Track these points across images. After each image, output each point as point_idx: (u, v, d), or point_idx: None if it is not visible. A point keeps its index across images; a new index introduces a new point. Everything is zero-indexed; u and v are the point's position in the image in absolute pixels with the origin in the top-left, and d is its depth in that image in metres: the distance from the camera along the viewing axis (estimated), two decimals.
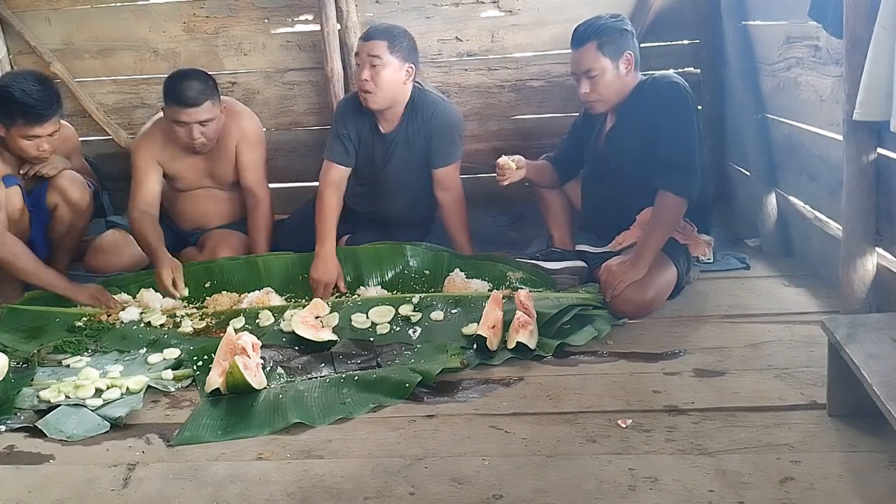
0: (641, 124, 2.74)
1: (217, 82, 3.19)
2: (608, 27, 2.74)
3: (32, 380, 2.38)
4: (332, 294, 2.96)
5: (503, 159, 2.96)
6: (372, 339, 2.59)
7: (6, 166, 3.04)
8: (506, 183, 2.98)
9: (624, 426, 1.97)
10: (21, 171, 3.09)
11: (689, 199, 2.65)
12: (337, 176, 3.11)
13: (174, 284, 2.93)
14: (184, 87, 3.03)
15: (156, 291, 2.98)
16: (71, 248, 3.34)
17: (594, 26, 2.75)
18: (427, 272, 3.02)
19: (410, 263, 3.06)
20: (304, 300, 2.91)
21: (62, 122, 3.29)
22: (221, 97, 3.22)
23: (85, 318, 2.81)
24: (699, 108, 3.71)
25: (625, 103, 2.81)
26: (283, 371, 2.38)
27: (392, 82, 2.99)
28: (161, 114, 3.24)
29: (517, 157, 2.99)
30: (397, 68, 2.98)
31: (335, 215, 3.08)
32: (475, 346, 2.45)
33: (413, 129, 3.09)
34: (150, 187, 3.21)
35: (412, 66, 3.02)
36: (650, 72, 2.88)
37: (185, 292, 2.95)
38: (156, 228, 3.13)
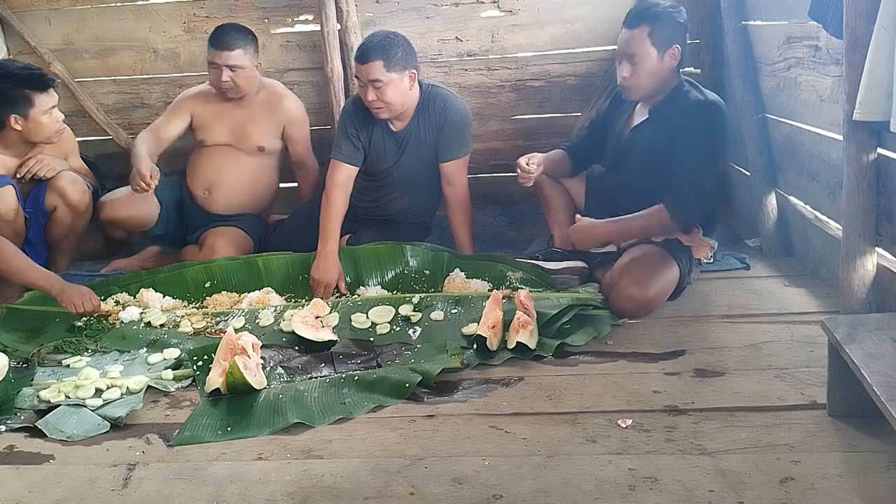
0: (672, 134, 2.70)
1: (257, 40, 3.44)
2: (664, 15, 2.70)
3: (32, 380, 2.38)
4: (333, 295, 2.96)
5: (524, 162, 2.95)
6: (372, 339, 2.59)
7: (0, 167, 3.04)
8: (530, 184, 2.97)
9: (624, 426, 1.97)
10: (18, 175, 3.09)
11: (681, 228, 2.70)
12: (344, 175, 3.11)
13: (148, 179, 3.08)
14: (221, 32, 3.34)
15: (156, 291, 2.98)
16: (70, 248, 3.34)
17: (651, 11, 2.70)
18: (427, 272, 3.02)
19: (410, 263, 3.06)
20: (304, 300, 2.91)
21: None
22: (268, 80, 3.56)
23: (85, 318, 2.81)
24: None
25: (662, 104, 2.77)
26: (283, 371, 2.38)
27: (398, 95, 2.99)
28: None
29: (534, 155, 2.99)
30: (399, 80, 2.97)
31: (340, 216, 3.08)
32: (475, 346, 2.45)
33: (424, 124, 3.10)
34: (168, 126, 3.46)
35: (413, 70, 3.01)
36: (687, 79, 2.80)
37: (155, 183, 3.13)
38: (152, 145, 3.33)
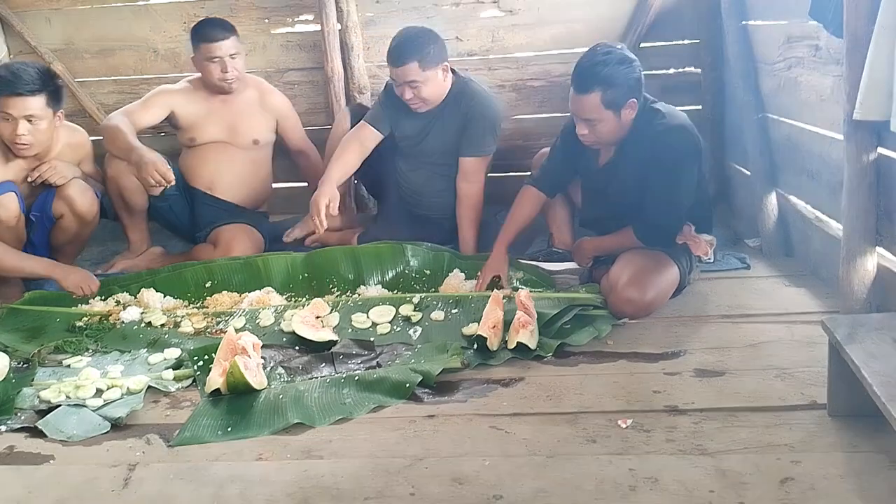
0: (642, 165, 2.65)
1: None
2: (615, 77, 2.53)
3: (33, 380, 2.38)
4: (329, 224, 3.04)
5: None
6: (372, 339, 2.59)
7: (6, 171, 3.03)
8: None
9: (624, 426, 1.97)
10: (29, 179, 3.08)
11: (652, 248, 2.71)
12: (365, 134, 3.18)
13: (170, 175, 3.08)
14: (213, 25, 3.37)
15: (156, 291, 2.98)
16: (73, 253, 3.34)
17: (600, 75, 2.52)
18: (427, 272, 3.02)
19: (411, 263, 3.06)
20: (304, 300, 2.92)
21: (75, 127, 3.33)
22: (249, 75, 3.58)
23: (85, 318, 2.81)
24: (700, 108, 3.75)
25: (627, 139, 2.69)
26: (283, 371, 2.38)
27: (435, 90, 3.06)
28: (185, 79, 3.52)
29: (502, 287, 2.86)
30: (434, 76, 3.02)
31: (349, 163, 3.16)
32: (475, 346, 2.45)
33: (451, 112, 3.12)
34: (144, 115, 3.39)
35: (445, 62, 3.06)
36: (654, 102, 2.69)
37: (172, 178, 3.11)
38: (132, 131, 3.26)
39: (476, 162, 3.15)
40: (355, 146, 3.17)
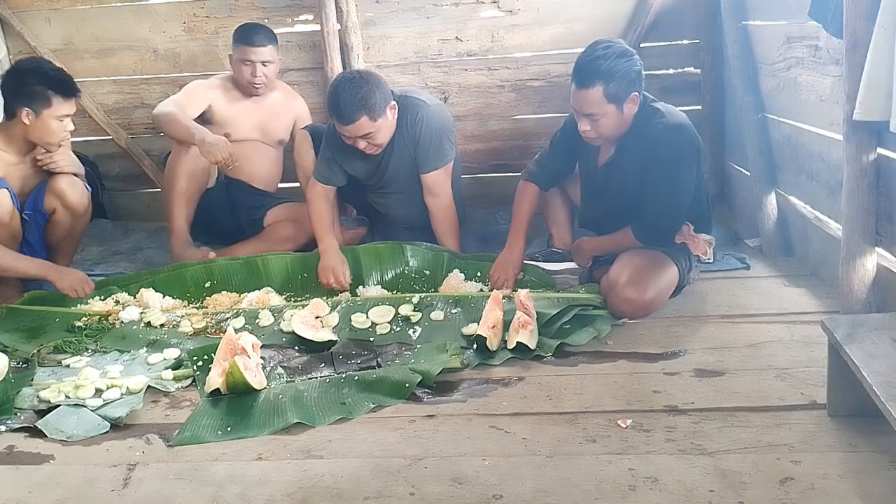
0: (642, 164, 2.65)
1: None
2: (616, 71, 2.53)
3: (32, 380, 2.38)
4: (340, 290, 2.96)
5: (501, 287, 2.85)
6: (372, 339, 2.59)
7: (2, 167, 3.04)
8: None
9: (624, 426, 1.97)
10: (38, 157, 3.10)
11: (650, 248, 2.70)
12: (321, 192, 3.14)
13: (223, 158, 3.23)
14: (253, 30, 3.49)
15: (156, 291, 2.98)
16: (69, 251, 3.33)
17: (601, 69, 2.52)
18: (427, 272, 3.02)
19: (410, 263, 3.06)
20: (304, 300, 2.91)
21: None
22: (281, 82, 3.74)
23: (85, 318, 2.81)
24: (700, 108, 3.75)
25: (627, 137, 2.68)
26: (283, 371, 2.38)
27: (387, 132, 2.99)
28: (217, 76, 3.63)
29: (509, 277, 2.87)
30: (385, 121, 2.94)
31: (328, 219, 3.12)
32: (475, 346, 2.45)
33: (400, 139, 3.06)
34: (189, 108, 3.45)
35: (393, 103, 2.97)
36: (653, 101, 2.70)
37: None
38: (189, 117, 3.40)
39: (437, 175, 3.10)
40: (322, 201, 3.13)
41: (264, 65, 3.48)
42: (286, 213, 3.53)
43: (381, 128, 2.93)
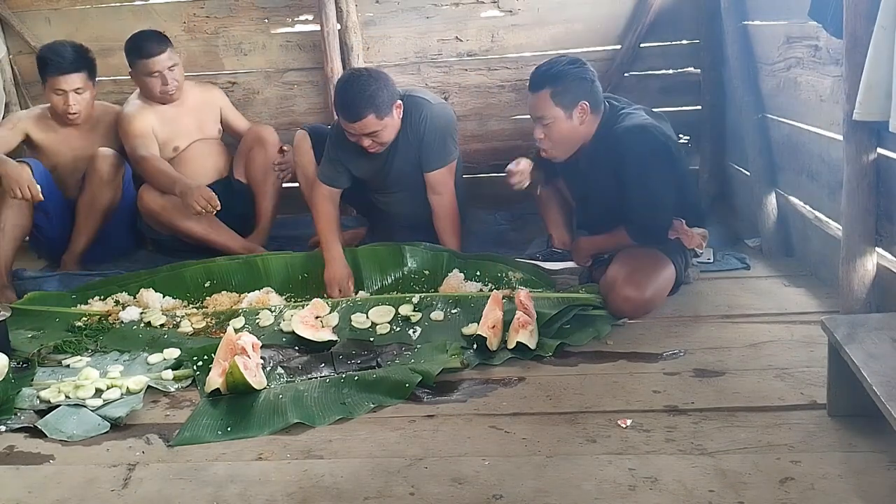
0: (611, 172, 2.67)
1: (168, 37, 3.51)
2: (564, 75, 2.65)
3: (32, 380, 2.38)
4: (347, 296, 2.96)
5: (511, 166, 2.92)
6: (372, 339, 2.59)
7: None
8: (524, 184, 2.93)
9: (624, 426, 1.97)
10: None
11: (647, 246, 2.71)
12: (327, 192, 3.12)
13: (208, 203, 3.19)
14: (145, 39, 3.44)
15: (156, 291, 2.98)
16: (89, 228, 3.43)
17: (550, 73, 2.66)
18: (427, 272, 3.02)
19: (410, 265, 3.05)
20: (304, 300, 2.92)
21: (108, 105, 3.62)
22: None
23: (85, 318, 2.81)
24: (700, 108, 3.75)
25: (590, 148, 2.73)
26: (283, 371, 2.38)
27: (392, 131, 2.97)
28: (132, 98, 3.55)
29: (519, 159, 2.95)
30: (391, 120, 2.93)
31: (334, 223, 3.10)
32: (475, 346, 2.45)
33: (404, 138, 3.05)
34: (154, 142, 3.45)
35: (399, 103, 2.97)
36: (623, 109, 2.73)
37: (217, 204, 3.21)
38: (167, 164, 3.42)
39: (441, 173, 3.09)
40: (327, 204, 3.11)
41: (171, 69, 3.41)
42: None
43: (386, 126, 2.92)
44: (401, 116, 2.99)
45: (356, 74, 2.94)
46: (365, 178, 3.16)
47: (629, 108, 2.75)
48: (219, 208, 3.20)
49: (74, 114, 3.39)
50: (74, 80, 3.34)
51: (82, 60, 3.37)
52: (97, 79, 3.50)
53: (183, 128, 3.55)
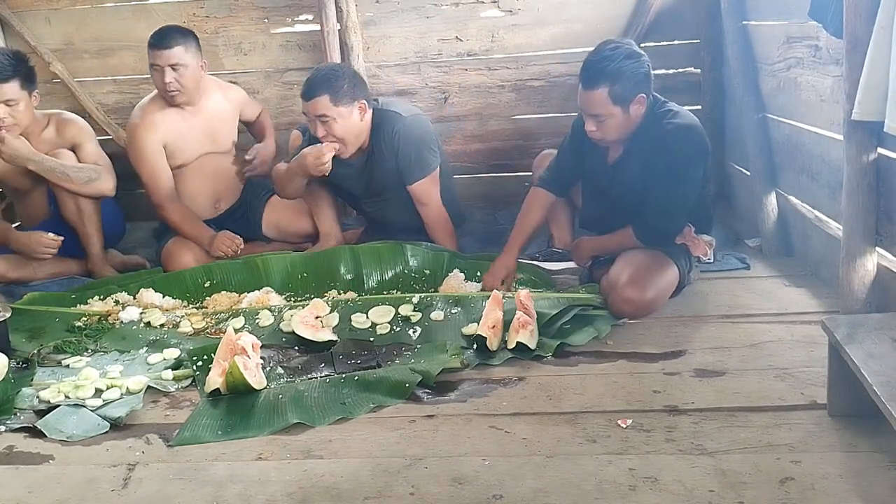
0: (649, 164, 2.63)
1: (199, 39, 3.33)
2: (622, 72, 2.52)
3: (32, 380, 2.38)
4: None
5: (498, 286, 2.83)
6: (372, 339, 2.59)
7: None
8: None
9: (624, 426, 1.97)
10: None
11: (651, 248, 2.69)
12: (318, 182, 3.19)
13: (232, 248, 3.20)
14: (161, 32, 3.26)
15: (155, 291, 2.98)
16: (91, 232, 3.30)
17: (607, 70, 2.52)
18: (427, 272, 3.02)
19: (410, 263, 3.05)
20: (304, 300, 2.91)
21: (67, 115, 3.38)
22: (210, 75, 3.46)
23: (85, 318, 2.82)
24: (700, 108, 3.75)
25: (635, 136, 2.67)
26: (283, 371, 2.38)
27: (349, 128, 2.96)
28: (145, 100, 3.35)
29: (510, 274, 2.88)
30: (348, 114, 2.93)
31: (330, 203, 3.27)
32: (475, 346, 2.45)
33: (380, 150, 3.05)
34: (167, 173, 3.30)
35: (363, 101, 2.97)
36: (666, 103, 2.68)
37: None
38: (192, 212, 3.33)
39: (423, 185, 3.09)
40: (322, 190, 3.20)
41: (174, 69, 3.18)
42: (284, 204, 3.43)
43: (341, 117, 2.92)
44: (365, 120, 3.00)
45: (329, 63, 3.02)
46: (344, 185, 3.20)
47: (667, 102, 2.70)
48: (242, 246, 3.24)
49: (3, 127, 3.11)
50: (4, 91, 3.07)
51: (12, 69, 3.08)
52: (35, 88, 3.23)
53: (191, 135, 3.33)
